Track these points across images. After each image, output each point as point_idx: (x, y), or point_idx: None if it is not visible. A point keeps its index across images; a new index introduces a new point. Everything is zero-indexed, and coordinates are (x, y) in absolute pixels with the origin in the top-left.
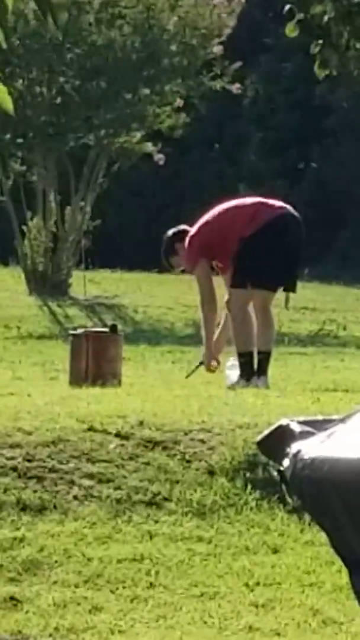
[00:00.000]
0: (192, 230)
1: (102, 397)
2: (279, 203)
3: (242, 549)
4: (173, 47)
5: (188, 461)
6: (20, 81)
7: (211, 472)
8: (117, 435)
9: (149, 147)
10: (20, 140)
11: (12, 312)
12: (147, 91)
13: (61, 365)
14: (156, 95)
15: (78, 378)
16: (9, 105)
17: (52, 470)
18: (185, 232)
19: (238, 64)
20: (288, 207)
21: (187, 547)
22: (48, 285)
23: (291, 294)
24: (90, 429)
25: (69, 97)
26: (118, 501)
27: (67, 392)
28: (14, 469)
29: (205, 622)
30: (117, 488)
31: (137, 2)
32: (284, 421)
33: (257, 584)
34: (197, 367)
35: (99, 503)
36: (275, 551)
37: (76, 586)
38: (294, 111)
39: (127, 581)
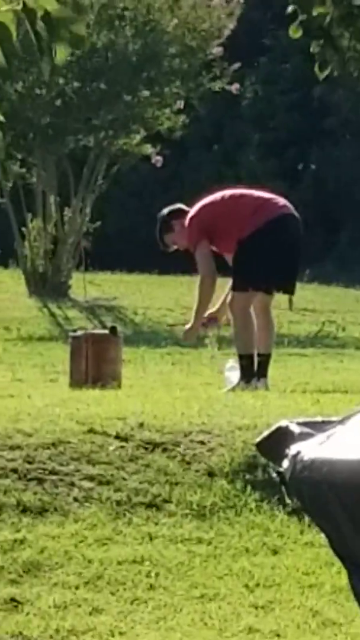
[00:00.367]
0: (193, 210)
1: (102, 399)
2: (282, 202)
3: (241, 550)
4: (173, 49)
5: (188, 463)
6: (20, 83)
7: (211, 474)
8: (117, 437)
9: (148, 148)
10: (20, 142)
11: (12, 314)
12: (147, 93)
13: (61, 367)
14: (156, 97)
15: (78, 380)
16: None
17: (52, 472)
18: (181, 210)
19: (237, 65)
20: (289, 206)
21: (187, 549)
22: (48, 287)
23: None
24: (90, 430)
25: (68, 98)
26: (118, 503)
27: (67, 394)
28: (14, 470)
29: (205, 624)
30: (117, 490)
31: (136, 4)
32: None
33: (257, 585)
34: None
35: (99, 505)
36: (275, 552)
37: (76, 588)
38: (293, 112)
39: (128, 583)
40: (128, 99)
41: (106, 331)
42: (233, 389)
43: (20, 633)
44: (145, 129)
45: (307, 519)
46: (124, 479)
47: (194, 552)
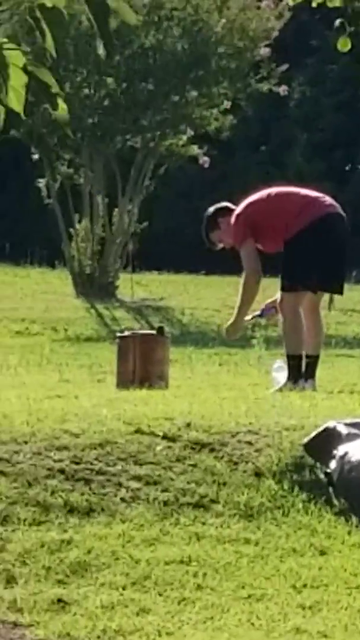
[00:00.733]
0: (239, 208)
1: (149, 399)
2: (328, 200)
3: (289, 551)
4: (221, 50)
5: (235, 463)
6: (69, 83)
7: (258, 474)
8: (165, 437)
9: (195, 149)
10: (67, 143)
11: (60, 314)
12: (194, 93)
13: (108, 367)
14: (204, 98)
15: (125, 380)
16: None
17: (100, 472)
18: (228, 208)
19: (285, 66)
20: (336, 205)
21: (234, 549)
22: (95, 287)
23: (336, 296)
24: (138, 431)
25: (116, 99)
26: (165, 503)
27: (114, 395)
28: (62, 471)
29: (252, 624)
30: (165, 490)
31: (185, 5)
32: (330, 423)
33: (304, 586)
34: (253, 317)
35: (146, 505)
36: (322, 553)
37: (124, 588)
38: (340, 113)
39: (175, 583)
40: (176, 99)
41: (153, 331)
42: (280, 390)
43: (68, 634)
44: (192, 130)
45: (354, 519)
46: (171, 479)
47: (241, 552)
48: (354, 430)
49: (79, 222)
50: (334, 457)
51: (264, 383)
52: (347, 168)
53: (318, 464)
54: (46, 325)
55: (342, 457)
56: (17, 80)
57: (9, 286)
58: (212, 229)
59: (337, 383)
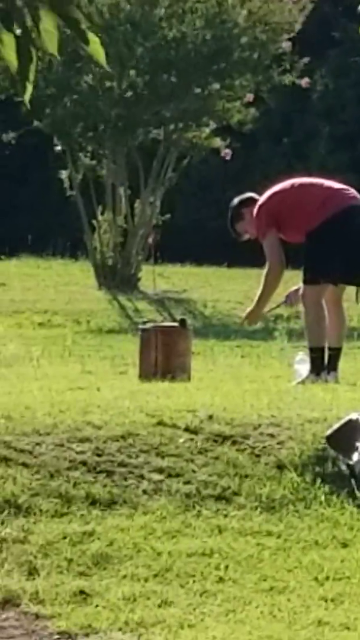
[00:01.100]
0: (262, 198)
1: (171, 392)
2: (352, 192)
3: (311, 543)
4: (243, 42)
5: (257, 455)
6: (91, 75)
7: (280, 467)
8: (187, 429)
9: (218, 141)
10: (90, 134)
11: (82, 306)
12: (217, 85)
13: (130, 359)
14: (226, 90)
15: (147, 372)
16: (101, 56)
17: (122, 464)
18: (252, 199)
19: (307, 59)
20: (358, 197)
21: (257, 542)
22: (117, 279)
23: None
24: (160, 423)
25: (139, 91)
26: (187, 495)
27: (137, 387)
28: (84, 463)
29: (274, 617)
30: (187, 482)
31: None
32: (353, 415)
33: (327, 578)
34: (277, 306)
35: (169, 497)
36: (344, 545)
37: (146, 580)
38: None
39: (197, 575)
40: (198, 92)
41: (176, 324)
42: (302, 382)
43: (89, 625)
44: (215, 122)
45: None
46: (194, 472)
47: (263, 544)
48: None
49: (102, 213)
50: (356, 449)
51: (286, 375)
52: None
53: (340, 456)
54: (68, 317)
55: None
56: (49, 22)
57: (32, 278)
58: (237, 220)
59: None
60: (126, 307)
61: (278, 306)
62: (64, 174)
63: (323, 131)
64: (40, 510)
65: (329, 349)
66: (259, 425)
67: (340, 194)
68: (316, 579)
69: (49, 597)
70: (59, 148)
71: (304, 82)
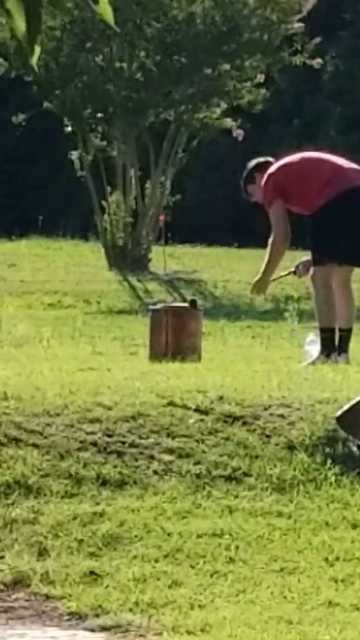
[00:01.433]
0: (272, 168)
1: (181, 372)
2: (357, 172)
3: (321, 524)
4: (253, 22)
5: (268, 436)
6: (101, 56)
7: (291, 448)
8: (197, 410)
9: (229, 122)
10: (100, 115)
11: (92, 287)
12: (227, 66)
13: (141, 340)
14: (236, 70)
15: (158, 353)
16: (109, 16)
17: (132, 445)
18: (267, 163)
19: (318, 39)
20: None
21: (267, 522)
22: (128, 260)
23: None
24: (170, 403)
25: (149, 72)
26: (198, 476)
27: (147, 367)
28: (94, 444)
29: (284, 597)
30: (197, 463)
31: None
32: None
33: (337, 559)
34: (286, 274)
35: (179, 478)
36: (355, 526)
37: (156, 561)
38: None
39: (207, 556)
40: (208, 72)
41: (186, 304)
42: (313, 363)
43: (100, 606)
44: (225, 103)
45: None
46: (204, 452)
47: (273, 525)
48: None
49: (112, 194)
50: None
51: (296, 356)
52: None
53: (351, 437)
54: (79, 297)
55: None
56: None
57: (42, 259)
58: (249, 181)
59: None
60: (136, 288)
61: (287, 274)
62: (74, 155)
63: (334, 112)
64: (51, 491)
65: (340, 330)
66: (270, 406)
67: (346, 173)
68: (326, 559)
69: (59, 577)
70: (69, 129)
71: (316, 62)
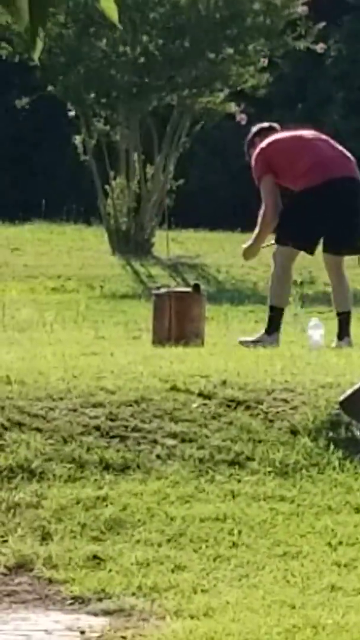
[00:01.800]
0: (264, 142)
1: (185, 357)
2: (346, 163)
3: (324, 508)
4: (256, 6)
5: (271, 421)
6: (104, 40)
7: (294, 432)
8: (200, 394)
9: (232, 106)
10: (103, 100)
11: (95, 271)
12: (230, 50)
13: (144, 324)
14: (239, 55)
15: (161, 337)
16: (113, 12)
17: (135, 429)
18: (271, 129)
19: (321, 24)
20: (353, 168)
21: (270, 507)
22: (131, 244)
23: None
24: (173, 388)
25: (152, 56)
26: (201, 460)
27: (150, 352)
28: (97, 428)
29: (287, 582)
30: (200, 447)
31: None
32: None
33: (340, 543)
34: (269, 245)
35: (182, 462)
36: (358, 511)
37: (159, 545)
38: None
39: (210, 540)
40: (212, 57)
41: (189, 289)
42: (255, 343)
43: (103, 590)
44: (228, 87)
45: None
46: (207, 437)
47: (276, 509)
48: None
49: (115, 179)
50: None
51: (299, 341)
52: None
53: (354, 422)
54: (82, 282)
55: None
56: None
57: (45, 243)
58: (250, 146)
59: None
60: (140, 273)
61: (269, 245)
62: (77, 139)
63: (337, 97)
64: (54, 475)
65: (339, 314)
66: (273, 391)
67: (331, 162)
68: (329, 544)
69: (62, 562)
70: (72, 113)
71: (319, 47)
